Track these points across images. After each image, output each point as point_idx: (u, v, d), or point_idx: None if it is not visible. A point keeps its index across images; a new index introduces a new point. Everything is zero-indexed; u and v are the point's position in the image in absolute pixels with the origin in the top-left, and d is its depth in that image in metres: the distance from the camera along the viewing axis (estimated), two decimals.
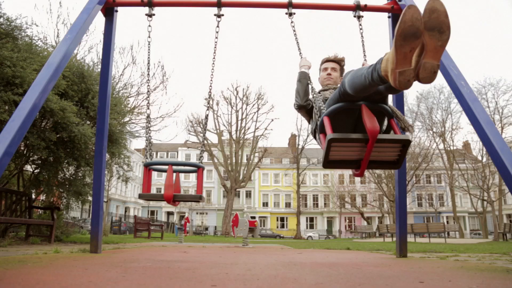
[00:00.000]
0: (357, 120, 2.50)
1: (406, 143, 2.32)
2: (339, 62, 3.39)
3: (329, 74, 3.31)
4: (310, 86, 3.20)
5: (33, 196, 7.87)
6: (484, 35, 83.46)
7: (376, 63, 2.03)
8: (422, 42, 1.75)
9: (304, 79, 3.22)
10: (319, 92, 3.24)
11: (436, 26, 1.73)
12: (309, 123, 3.31)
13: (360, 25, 3.85)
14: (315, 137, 3.06)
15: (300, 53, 3.52)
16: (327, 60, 3.40)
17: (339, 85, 2.80)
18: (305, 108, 3.20)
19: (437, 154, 34.86)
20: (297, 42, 3.60)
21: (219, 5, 3.90)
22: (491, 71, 70.02)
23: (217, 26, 3.80)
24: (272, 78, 79.59)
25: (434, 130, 32.61)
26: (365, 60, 3.71)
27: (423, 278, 2.26)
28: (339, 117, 2.46)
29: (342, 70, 3.41)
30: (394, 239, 12.63)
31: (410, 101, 36.42)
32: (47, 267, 2.45)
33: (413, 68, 1.78)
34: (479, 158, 32.91)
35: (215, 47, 3.75)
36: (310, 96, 3.21)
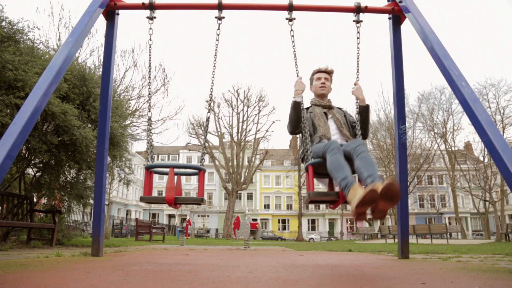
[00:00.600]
0: None
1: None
2: (330, 73, 3.75)
3: (323, 83, 3.66)
4: (303, 114, 3.43)
5: (35, 200, 7.88)
6: (485, 35, 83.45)
7: (346, 186, 2.59)
8: (376, 203, 2.29)
9: (297, 109, 3.45)
10: (311, 105, 3.67)
11: (389, 197, 2.26)
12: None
13: (358, 33, 3.81)
14: (303, 161, 3.51)
15: (297, 71, 3.60)
16: (320, 71, 3.73)
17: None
18: (297, 134, 3.61)
19: (439, 155, 34.83)
20: (295, 56, 3.60)
21: (219, 7, 3.90)
22: (492, 72, 69.88)
23: (218, 29, 3.80)
24: (273, 80, 79.64)
25: (436, 131, 32.60)
26: (357, 78, 3.72)
27: (425, 279, 2.26)
28: (321, 164, 3.02)
29: (331, 80, 3.79)
30: (396, 240, 12.61)
31: (411, 102, 36.48)
32: (49, 271, 2.45)
33: (366, 214, 2.36)
34: (481, 158, 32.91)
35: (216, 50, 3.75)
36: (303, 118, 3.44)
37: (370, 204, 2.28)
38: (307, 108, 3.68)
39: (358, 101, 3.62)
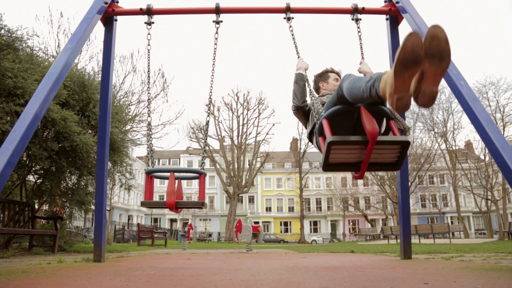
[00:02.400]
0: (356, 122, 2.50)
1: (406, 144, 2.32)
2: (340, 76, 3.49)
3: None
4: (307, 88, 3.22)
5: (36, 206, 7.87)
6: (484, 33, 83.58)
7: (374, 80, 2.04)
8: (421, 68, 1.73)
9: (301, 81, 3.26)
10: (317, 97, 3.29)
11: (437, 54, 1.69)
12: (305, 126, 3.32)
13: (358, 28, 3.86)
14: (311, 140, 3.09)
15: (298, 54, 3.56)
16: (334, 71, 3.48)
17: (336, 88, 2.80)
18: (302, 110, 3.24)
19: (439, 154, 34.80)
20: (295, 44, 3.63)
21: (217, 11, 3.92)
22: (491, 70, 70.04)
23: (216, 33, 3.82)
24: (273, 82, 79.75)
25: (436, 130, 32.56)
26: (362, 58, 3.71)
27: (428, 279, 2.25)
28: (338, 120, 2.46)
29: None
30: (398, 241, 12.60)
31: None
32: (51, 277, 2.45)
33: (411, 93, 1.79)
34: (482, 157, 32.85)
35: (215, 53, 3.77)
36: (308, 99, 3.25)
37: (413, 66, 1.72)
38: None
39: (367, 75, 3.58)
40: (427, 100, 1.76)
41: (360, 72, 3.59)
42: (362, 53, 3.78)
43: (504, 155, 2.41)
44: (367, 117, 2.27)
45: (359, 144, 2.29)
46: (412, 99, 1.82)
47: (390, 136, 2.48)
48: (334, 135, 2.32)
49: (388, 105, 2.45)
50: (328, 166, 2.45)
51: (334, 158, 2.40)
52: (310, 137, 3.09)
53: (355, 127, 2.53)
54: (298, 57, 3.53)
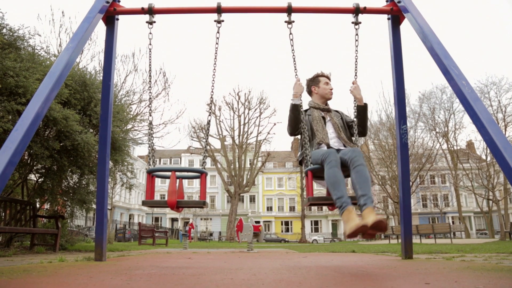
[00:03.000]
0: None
1: None
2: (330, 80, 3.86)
3: (332, 89, 3.77)
4: (302, 116, 3.49)
5: (38, 205, 7.89)
6: (485, 33, 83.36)
7: (341, 205, 2.76)
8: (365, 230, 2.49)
9: (296, 111, 3.52)
10: (308, 109, 3.71)
11: (377, 229, 2.49)
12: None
13: (357, 35, 3.83)
14: (301, 164, 3.65)
15: (296, 72, 3.65)
16: (326, 76, 3.82)
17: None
18: (296, 135, 3.66)
19: (441, 154, 34.74)
20: (294, 58, 3.67)
21: (219, 11, 3.91)
22: (493, 70, 69.83)
23: (218, 32, 3.82)
24: (274, 82, 79.73)
25: (437, 130, 32.51)
26: (355, 78, 3.74)
27: (429, 279, 2.25)
28: (320, 170, 3.11)
29: None
30: (400, 240, 12.60)
31: (412, 102, 36.43)
32: (52, 276, 2.45)
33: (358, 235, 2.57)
34: (483, 157, 32.79)
35: (216, 53, 3.77)
36: (302, 120, 3.51)
37: (360, 233, 2.51)
38: (306, 111, 3.71)
39: (356, 100, 3.64)
40: (369, 238, 2.78)
41: (351, 93, 3.72)
42: (356, 68, 3.76)
43: (506, 155, 2.41)
44: None
45: (331, 202, 3.01)
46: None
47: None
48: (319, 179, 3.25)
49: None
50: (310, 205, 3.23)
51: (313, 203, 3.20)
52: (300, 162, 3.64)
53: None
54: (296, 75, 3.65)
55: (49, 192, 7.39)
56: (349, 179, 3.13)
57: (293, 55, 3.67)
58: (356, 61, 3.78)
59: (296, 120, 3.52)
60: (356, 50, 3.78)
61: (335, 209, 3.16)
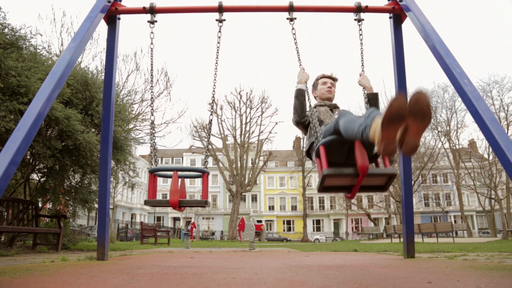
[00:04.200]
0: (350, 148, 2.76)
1: (393, 175, 2.60)
2: (334, 80, 3.72)
3: (330, 87, 3.63)
4: (307, 102, 3.40)
5: (40, 205, 7.91)
6: (487, 31, 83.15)
7: (366, 125, 2.22)
8: (405, 123, 1.93)
9: (301, 96, 3.43)
10: (315, 107, 3.52)
11: (419, 113, 1.89)
12: (305, 134, 3.51)
13: (360, 30, 3.83)
14: (308, 155, 3.32)
15: (300, 62, 3.64)
16: (325, 77, 3.71)
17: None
18: (302, 124, 3.43)
19: (443, 153, 34.65)
20: (297, 50, 3.68)
21: (220, 10, 3.92)
22: (495, 68, 69.53)
23: (219, 31, 3.83)
24: (276, 81, 79.69)
25: (439, 129, 32.42)
26: (362, 71, 3.72)
27: (431, 278, 2.25)
28: (333, 145, 2.73)
29: (335, 87, 3.76)
30: (402, 240, 12.60)
31: None
32: (54, 275, 2.46)
33: (397, 142, 2.00)
34: (486, 156, 32.70)
35: (218, 52, 3.77)
36: (308, 112, 3.39)
37: (398, 122, 1.91)
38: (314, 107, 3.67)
39: (365, 90, 3.62)
40: (410, 149, 1.98)
41: (359, 85, 3.69)
42: (363, 61, 3.76)
43: (508, 154, 2.40)
44: (360, 152, 2.52)
45: (350, 176, 2.58)
46: (397, 147, 2.04)
47: (379, 169, 2.78)
48: (329, 166, 2.63)
49: None
50: (323, 189, 2.74)
51: (328, 184, 2.68)
52: (308, 153, 3.32)
53: (348, 152, 2.80)
54: (300, 65, 3.63)
55: (51, 192, 7.40)
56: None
57: (296, 47, 3.68)
58: (361, 54, 3.77)
59: (302, 106, 3.41)
60: (361, 43, 3.78)
61: (354, 193, 2.73)
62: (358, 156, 2.49)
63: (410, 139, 1.95)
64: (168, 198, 3.22)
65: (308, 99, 3.40)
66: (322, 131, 2.92)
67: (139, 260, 4.25)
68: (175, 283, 2.09)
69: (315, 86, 3.79)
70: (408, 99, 1.89)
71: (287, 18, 3.85)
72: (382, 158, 2.78)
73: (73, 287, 1.93)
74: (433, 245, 10.27)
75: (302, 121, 3.41)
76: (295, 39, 3.70)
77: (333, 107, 3.65)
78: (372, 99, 3.56)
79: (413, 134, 1.93)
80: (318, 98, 3.73)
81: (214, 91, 3.74)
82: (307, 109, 3.38)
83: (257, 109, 34.25)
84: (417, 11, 3.73)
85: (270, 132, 34.79)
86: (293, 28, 3.76)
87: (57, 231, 6.91)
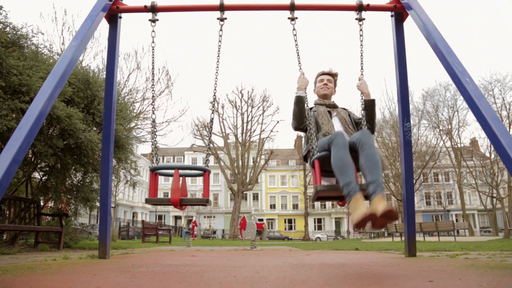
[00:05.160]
0: None
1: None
2: (334, 76, 3.82)
3: (326, 84, 3.72)
4: (306, 108, 3.44)
5: (42, 203, 7.93)
6: (489, 29, 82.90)
7: (348, 192, 2.53)
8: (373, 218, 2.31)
9: (300, 103, 3.47)
10: (314, 105, 3.66)
11: (388, 217, 2.28)
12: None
13: (361, 30, 3.80)
14: (306, 160, 3.49)
15: (300, 66, 3.64)
16: (323, 73, 3.79)
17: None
18: (301, 130, 3.54)
19: (444, 152, 34.61)
20: (298, 53, 3.67)
21: (221, 9, 3.91)
22: (497, 67, 69.43)
23: (220, 30, 3.82)
24: (277, 80, 79.61)
25: (441, 128, 32.38)
26: (361, 74, 3.70)
27: (432, 277, 2.25)
28: (328, 158, 2.87)
29: (335, 83, 3.83)
30: (403, 238, 12.59)
31: (416, 99, 36.24)
32: (56, 274, 2.46)
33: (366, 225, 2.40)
34: (487, 155, 32.69)
35: (219, 51, 3.76)
36: (307, 115, 3.42)
37: (369, 222, 2.32)
38: (311, 108, 3.68)
39: (363, 95, 3.61)
40: (378, 229, 2.52)
41: (358, 89, 3.69)
42: (362, 64, 3.72)
43: (510, 152, 2.40)
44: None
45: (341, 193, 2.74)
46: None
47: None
48: (325, 174, 3.02)
49: None
50: (317, 199, 3.04)
51: (321, 196, 2.96)
52: (305, 158, 3.47)
53: None
54: (300, 69, 3.63)
55: (53, 190, 7.41)
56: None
57: (297, 50, 3.67)
58: (361, 58, 3.73)
59: (301, 113, 3.44)
60: (361, 45, 3.75)
61: (346, 203, 2.88)
62: None
63: (377, 226, 2.36)
64: (169, 196, 3.22)
65: (307, 106, 3.46)
66: (318, 144, 3.08)
67: (141, 259, 4.26)
68: (176, 282, 2.10)
69: (314, 84, 3.88)
70: (381, 209, 2.26)
71: (288, 18, 3.83)
72: None
73: (75, 285, 1.94)
74: (435, 244, 10.26)
75: (301, 127, 3.50)
76: (295, 40, 3.68)
77: (332, 107, 3.66)
78: (368, 106, 3.55)
79: (380, 224, 2.34)
80: (317, 95, 3.80)
81: (215, 89, 3.74)
82: (306, 114, 3.40)
83: (259, 107, 34.29)
84: (419, 9, 3.72)
85: (271, 131, 34.88)
86: (294, 29, 3.73)
87: (59, 230, 6.93)
